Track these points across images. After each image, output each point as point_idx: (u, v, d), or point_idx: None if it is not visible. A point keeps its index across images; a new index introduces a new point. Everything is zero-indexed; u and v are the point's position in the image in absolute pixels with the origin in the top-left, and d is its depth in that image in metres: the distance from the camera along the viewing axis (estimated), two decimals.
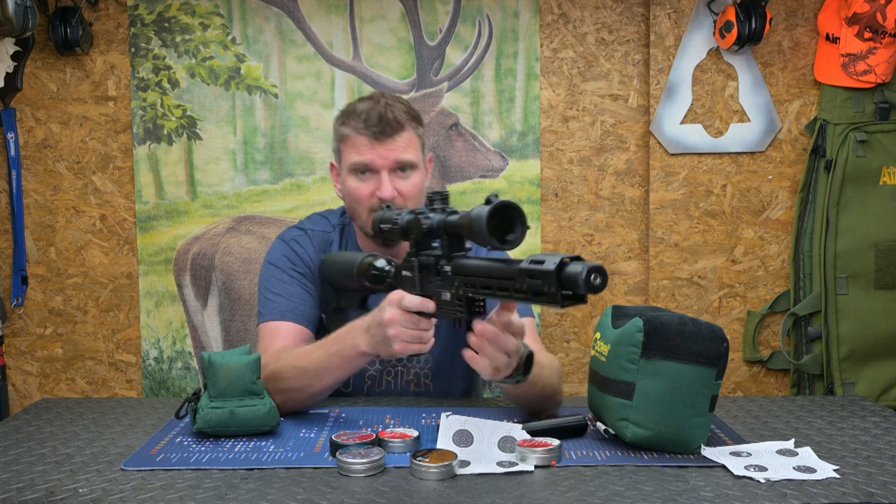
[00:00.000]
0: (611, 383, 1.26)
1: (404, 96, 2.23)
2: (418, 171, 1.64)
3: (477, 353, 1.25)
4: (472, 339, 1.26)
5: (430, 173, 1.76)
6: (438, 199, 1.23)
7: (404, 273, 1.32)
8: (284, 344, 1.54)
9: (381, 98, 1.62)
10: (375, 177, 1.60)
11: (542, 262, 0.99)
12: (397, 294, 1.29)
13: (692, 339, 1.21)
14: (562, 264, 0.97)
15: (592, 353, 1.35)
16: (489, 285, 1.12)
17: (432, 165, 1.82)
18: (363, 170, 1.61)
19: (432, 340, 1.30)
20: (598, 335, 1.35)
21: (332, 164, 1.73)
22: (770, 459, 1.19)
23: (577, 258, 0.98)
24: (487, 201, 1.07)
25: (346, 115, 1.64)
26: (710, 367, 1.21)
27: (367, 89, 2.27)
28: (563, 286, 0.98)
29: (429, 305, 1.25)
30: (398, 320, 1.28)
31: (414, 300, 1.26)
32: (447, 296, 1.22)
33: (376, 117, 1.58)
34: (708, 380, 1.22)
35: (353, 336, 1.40)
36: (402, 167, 1.61)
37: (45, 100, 2.29)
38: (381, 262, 1.41)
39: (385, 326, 1.29)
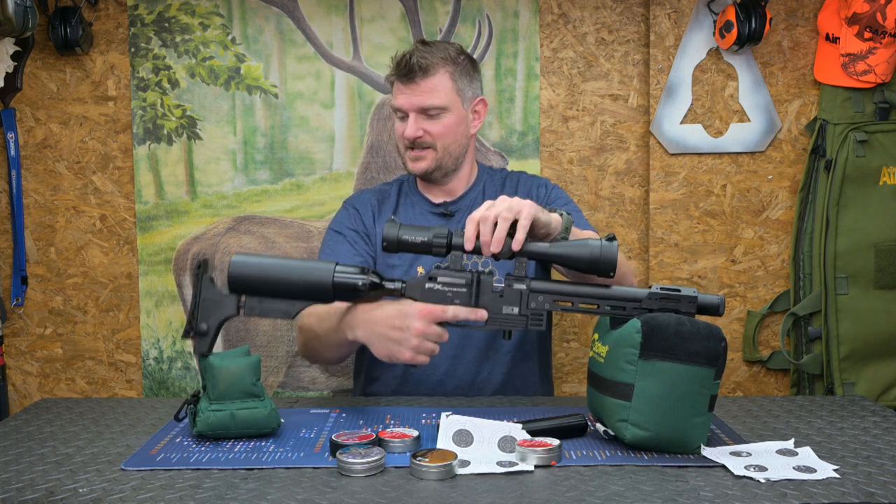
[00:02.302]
0: (609, 385, 1.27)
1: None
2: (450, 114, 1.74)
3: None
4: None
5: (483, 118, 1.84)
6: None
7: (429, 286, 1.32)
8: None
9: (418, 45, 1.75)
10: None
11: (678, 290, 1.27)
12: (437, 309, 1.31)
13: (690, 340, 1.21)
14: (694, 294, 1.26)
15: (591, 353, 1.36)
16: (603, 305, 1.30)
17: (486, 109, 1.86)
18: (399, 112, 1.75)
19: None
20: (595, 336, 1.35)
21: None
22: (770, 459, 1.19)
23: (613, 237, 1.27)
24: (611, 238, 1.27)
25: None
26: (709, 367, 1.21)
27: (368, 89, 2.27)
28: (699, 311, 1.27)
29: (481, 314, 1.31)
30: (427, 333, 1.32)
31: (462, 311, 1.31)
32: (513, 310, 1.30)
33: (404, 63, 1.72)
34: (707, 380, 1.22)
35: (353, 322, 1.43)
36: (428, 110, 1.72)
37: (44, 100, 2.29)
38: (388, 282, 1.33)
39: (411, 334, 1.32)
